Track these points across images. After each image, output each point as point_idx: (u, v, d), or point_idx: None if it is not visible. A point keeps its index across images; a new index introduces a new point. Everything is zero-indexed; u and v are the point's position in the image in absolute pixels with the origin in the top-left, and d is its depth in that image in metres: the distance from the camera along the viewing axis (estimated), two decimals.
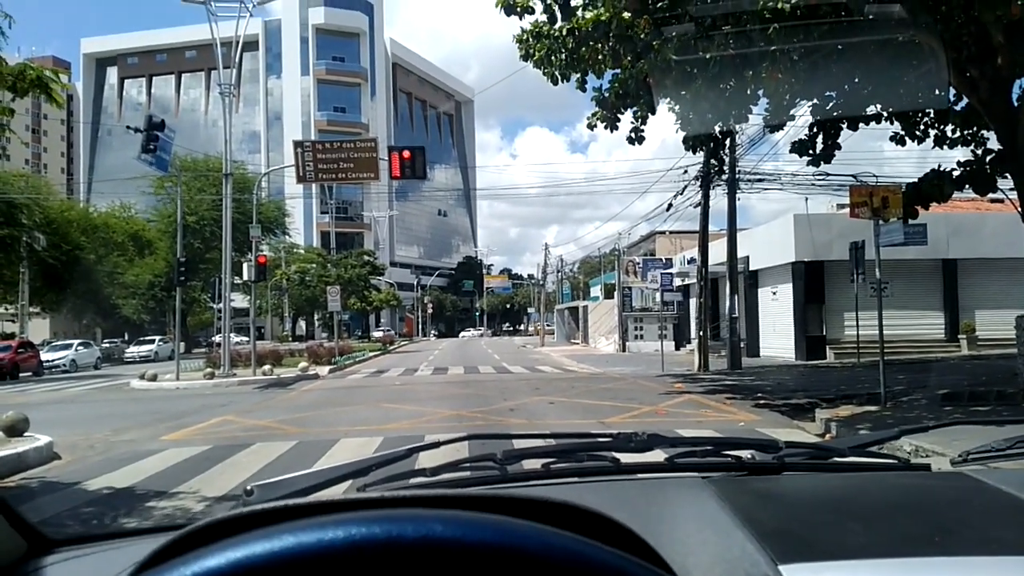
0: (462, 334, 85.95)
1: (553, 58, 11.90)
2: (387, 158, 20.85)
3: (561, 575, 0.52)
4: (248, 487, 1.28)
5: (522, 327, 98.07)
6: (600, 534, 0.69)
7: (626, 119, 12.93)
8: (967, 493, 1.30)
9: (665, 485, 1.37)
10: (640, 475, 1.45)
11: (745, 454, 1.49)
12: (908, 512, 1.18)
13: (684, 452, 1.50)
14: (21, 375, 28.36)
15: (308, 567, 0.50)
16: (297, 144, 22.20)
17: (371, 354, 37.55)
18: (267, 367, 23.23)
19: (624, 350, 34.96)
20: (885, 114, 12.47)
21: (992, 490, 1.26)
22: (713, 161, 20.12)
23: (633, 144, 13.09)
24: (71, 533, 1.27)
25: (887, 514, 1.17)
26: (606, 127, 12.85)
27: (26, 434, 9.46)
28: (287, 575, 0.50)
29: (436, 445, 1.60)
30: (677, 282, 29.01)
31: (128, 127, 23.74)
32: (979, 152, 12.47)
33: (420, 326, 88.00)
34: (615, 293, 39.87)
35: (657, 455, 1.49)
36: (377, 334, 58.50)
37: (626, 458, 1.45)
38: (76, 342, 36.16)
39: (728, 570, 0.92)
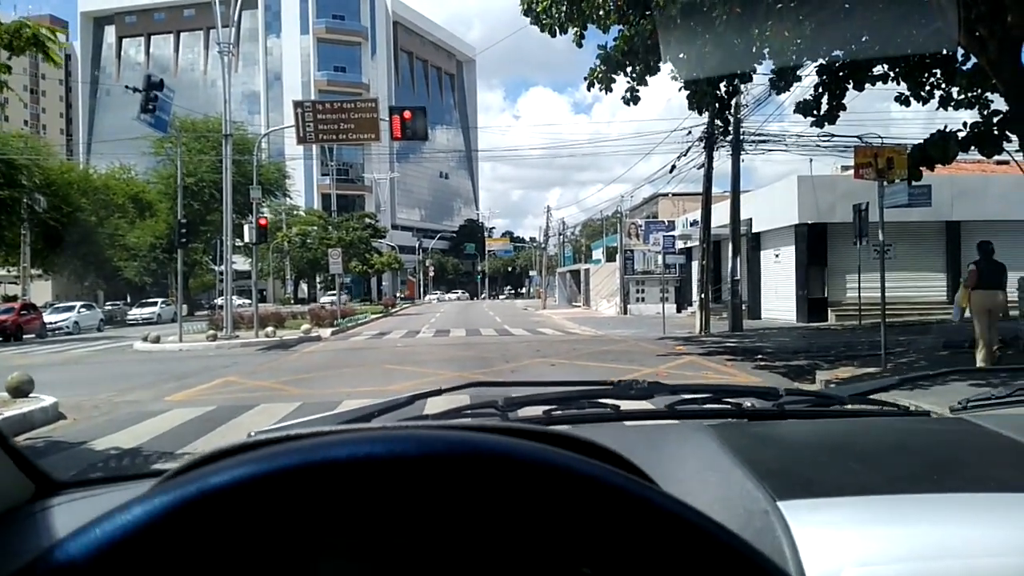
0: (428, 297, 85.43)
1: (554, 9, 11.73)
2: (388, 119, 20.68)
3: (571, 493, 0.52)
4: (250, 433, 1.29)
5: (524, 290, 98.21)
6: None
7: (623, 80, 12.79)
8: (965, 436, 1.31)
9: (666, 431, 1.38)
10: (640, 422, 1.46)
11: (746, 401, 1.49)
12: (906, 453, 1.19)
13: (685, 400, 1.51)
14: (24, 337, 28.50)
15: (317, 478, 0.50)
16: (297, 104, 22.02)
17: (372, 317, 37.67)
18: (269, 329, 23.31)
19: (625, 313, 35.02)
20: (892, 74, 12.32)
21: (990, 432, 1.28)
22: (718, 122, 19.93)
23: (629, 105, 12.96)
24: (78, 476, 1.29)
25: (885, 455, 1.19)
26: (602, 89, 12.71)
27: (31, 395, 9.53)
28: (294, 486, 0.49)
29: (439, 392, 1.61)
30: (679, 244, 28.97)
31: (127, 87, 23.53)
32: (985, 113, 12.35)
33: (421, 289, 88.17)
34: (617, 256, 39.84)
35: (658, 403, 1.50)
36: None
37: (627, 406, 1.46)
38: (79, 304, 36.21)
39: (727, 507, 0.93)
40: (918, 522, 0.86)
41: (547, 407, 1.45)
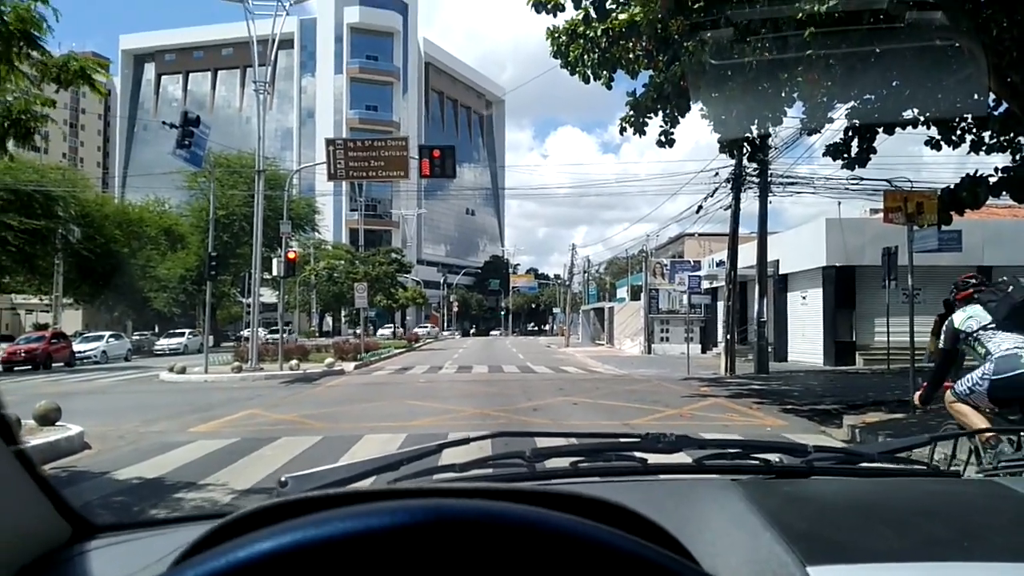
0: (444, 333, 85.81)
1: (586, 57, 11.88)
2: (417, 157, 20.95)
3: (595, 566, 0.52)
4: (283, 478, 1.30)
5: (547, 327, 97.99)
6: (630, 531, 0.69)
7: (655, 122, 12.88)
8: (997, 500, 1.28)
9: (694, 486, 1.36)
10: (668, 476, 1.44)
11: (773, 457, 1.48)
12: (936, 517, 1.16)
13: (712, 454, 1.50)
14: (53, 365, 28.92)
15: (354, 550, 0.52)
16: (329, 142, 22.40)
17: (396, 351, 37.75)
18: (294, 362, 23.44)
19: (649, 352, 34.79)
20: (922, 119, 12.28)
21: (1022, 497, 1.24)
22: (746, 164, 19.95)
23: (663, 147, 13.02)
24: (112, 520, 1.30)
25: (915, 519, 1.16)
26: (635, 132, 12.81)
27: (58, 423, 9.64)
28: (328, 558, 0.51)
29: (466, 441, 1.61)
30: (705, 285, 28.82)
31: (164, 123, 24.12)
32: (1018, 158, 12.24)
33: (445, 324, 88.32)
34: (641, 295, 39.68)
35: (685, 457, 1.48)
36: (384, 331, 57.65)
37: (654, 459, 1.44)
38: (107, 334, 36.73)
39: (757, 571, 0.91)
40: None
41: (574, 459, 1.44)
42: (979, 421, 4.92)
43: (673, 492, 1.32)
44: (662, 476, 1.43)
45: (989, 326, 5.10)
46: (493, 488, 0.70)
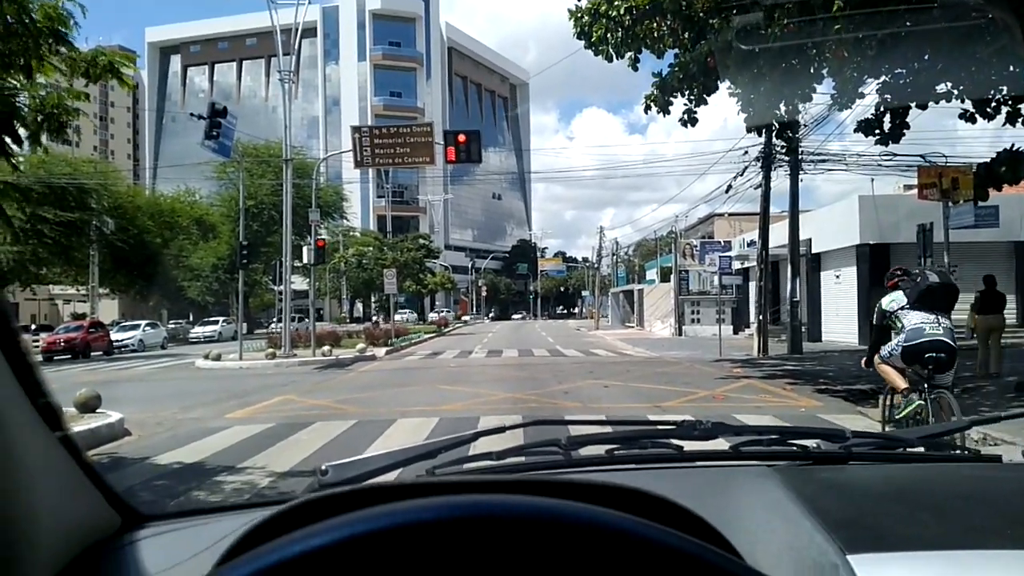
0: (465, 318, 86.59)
1: (609, 36, 11.77)
2: (442, 142, 20.95)
3: (637, 561, 0.53)
4: (323, 467, 1.32)
5: (576, 310, 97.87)
6: (668, 521, 0.70)
7: (680, 101, 12.75)
8: None
9: (731, 473, 1.36)
10: (704, 463, 1.44)
11: (811, 443, 1.46)
12: (979, 503, 1.15)
13: (749, 441, 1.49)
14: (92, 354, 29.52)
15: (401, 544, 0.53)
16: (355, 129, 22.49)
17: (426, 336, 37.96)
18: (326, 348, 23.68)
19: (680, 334, 34.61)
20: (956, 92, 12.01)
21: None
22: (776, 142, 19.67)
23: (686, 126, 12.90)
24: (160, 509, 1.33)
25: (957, 505, 1.15)
26: (659, 111, 12.70)
27: (98, 411, 9.85)
28: (376, 553, 0.53)
29: (501, 430, 1.62)
30: (736, 265, 28.54)
31: (191, 114, 24.38)
32: None
33: (474, 308, 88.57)
34: (671, 276, 39.43)
35: (721, 443, 1.48)
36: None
37: (690, 446, 1.44)
38: (144, 323, 37.35)
39: (796, 559, 0.92)
40: None
41: (609, 446, 1.45)
42: (897, 377, 6.49)
43: (710, 480, 1.32)
44: (699, 463, 1.43)
45: (905, 307, 6.46)
46: (533, 479, 0.72)
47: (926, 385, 6.20)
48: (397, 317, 53.17)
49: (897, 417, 6.53)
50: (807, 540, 0.94)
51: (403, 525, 0.54)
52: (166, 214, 45.09)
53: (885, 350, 6.62)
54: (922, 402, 6.16)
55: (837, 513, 1.03)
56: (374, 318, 47.77)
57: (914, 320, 6.34)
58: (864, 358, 7.16)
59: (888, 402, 6.91)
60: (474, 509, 0.56)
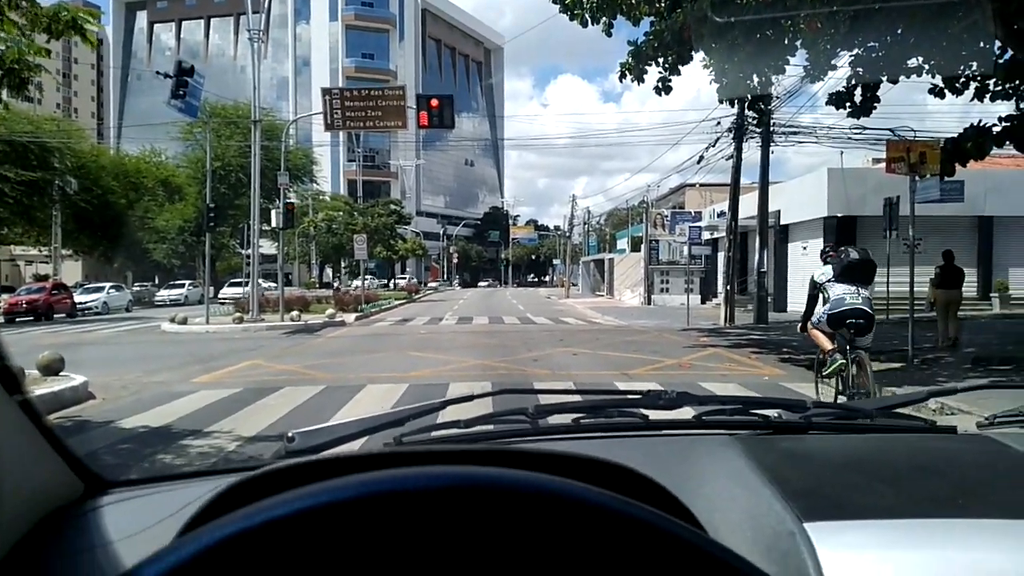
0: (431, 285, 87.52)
1: (584, 0, 11.66)
2: (415, 107, 20.71)
3: (596, 530, 0.54)
4: (289, 433, 1.31)
5: (547, 279, 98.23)
6: (631, 490, 0.70)
7: (654, 70, 12.69)
8: (992, 457, 1.30)
9: (694, 442, 1.38)
10: (669, 431, 1.46)
11: (772, 413, 1.49)
12: (932, 474, 1.18)
13: (713, 410, 1.51)
14: (55, 316, 29.04)
15: (359, 516, 0.54)
16: (325, 92, 22.13)
17: (396, 302, 37.86)
18: (295, 313, 23.53)
19: (649, 303, 34.88)
20: (927, 67, 12.10)
21: (1018, 454, 1.26)
22: (748, 113, 19.72)
23: (660, 94, 12.85)
24: (125, 475, 1.31)
25: (912, 475, 1.18)
26: (633, 80, 12.64)
27: (61, 373, 9.72)
28: (336, 523, 0.53)
29: (469, 398, 1.63)
30: (706, 235, 28.75)
31: (158, 72, 23.73)
32: (1022, 107, 12.10)
33: (446, 275, 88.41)
34: (642, 246, 39.62)
35: (685, 412, 1.50)
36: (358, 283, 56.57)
37: (655, 415, 1.46)
38: (108, 285, 36.77)
39: (755, 527, 0.93)
40: (943, 548, 0.86)
41: (576, 415, 1.46)
42: (825, 340, 7.59)
43: (674, 449, 1.33)
44: (663, 432, 1.45)
45: (831, 280, 7.53)
46: (497, 449, 0.72)
47: (848, 347, 7.19)
48: (357, 283, 52.36)
49: (824, 373, 7.56)
50: (766, 508, 0.96)
51: (364, 496, 0.54)
52: (131, 175, 44.17)
53: (815, 317, 7.77)
54: (844, 361, 7.16)
55: (796, 482, 1.05)
56: (336, 284, 47.41)
57: (838, 291, 7.38)
58: (799, 324, 8.24)
59: (818, 363, 7.94)
60: (433, 481, 0.56)
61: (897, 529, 0.90)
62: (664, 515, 0.57)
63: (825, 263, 7.89)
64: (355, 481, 0.55)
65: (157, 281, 50.16)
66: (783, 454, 1.28)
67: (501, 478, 0.57)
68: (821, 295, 7.66)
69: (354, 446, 1.35)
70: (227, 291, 40.75)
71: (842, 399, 7.28)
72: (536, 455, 0.74)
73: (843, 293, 7.34)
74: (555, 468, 0.71)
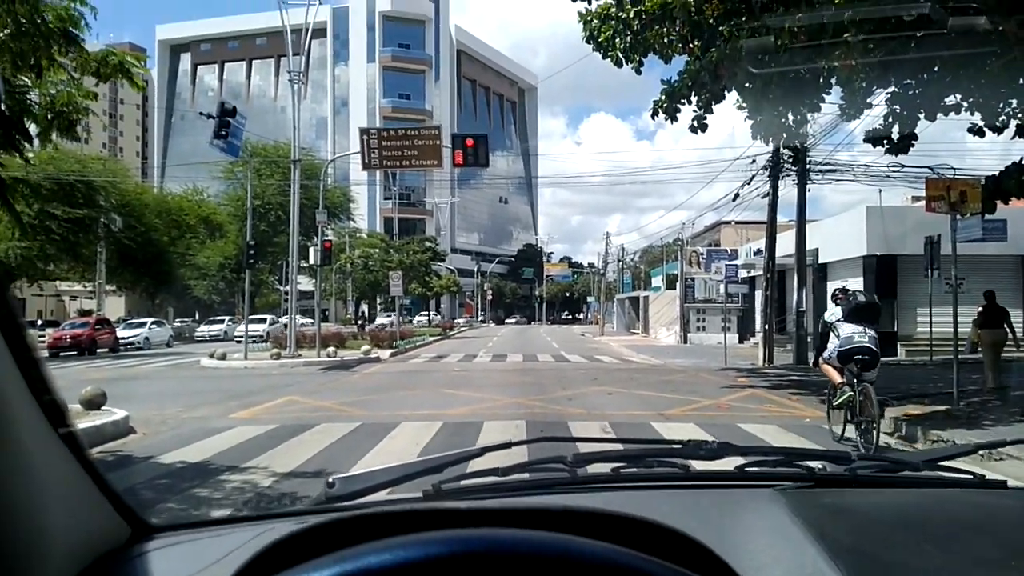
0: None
1: (618, 40, 11.79)
2: (450, 146, 20.98)
3: None
4: (330, 479, 1.33)
5: (581, 316, 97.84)
6: (672, 547, 0.71)
7: (688, 108, 12.76)
8: None
9: (737, 495, 1.36)
10: (710, 482, 1.45)
11: (816, 465, 1.47)
12: (983, 533, 1.15)
13: (755, 461, 1.50)
14: (98, 351, 29.60)
15: None
16: (363, 131, 22.52)
17: (431, 339, 37.97)
18: (331, 349, 23.71)
19: (685, 342, 34.56)
20: (965, 104, 11.98)
21: None
22: (784, 151, 19.64)
23: (696, 133, 12.90)
24: (168, 520, 1.33)
25: (961, 534, 1.15)
26: (667, 118, 12.70)
27: (103, 408, 9.89)
28: None
29: (508, 446, 1.63)
30: (743, 274, 28.49)
31: (201, 113, 24.44)
32: None
33: (479, 312, 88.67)
34: (677, 284, 39.38)
35: (727, 462, 1.48)
36: (420, 318, 56.88)
37: (696, 465, 1.45)
38: (150, 320, 37.46)
39: None
40: None
41: (615, 464, 1.46)
42: (835, 374, 8.46)
43: (716, 501, 1.32)
44: (703, 483, 1.44)
45: (840, 320, 8.47)
46: (536, 507, 0.74)
47: (856, 380, 8.01)
48: (383, 320, 52.37)
49: (834, 404, 8.52)
50: (812, 567, 0.94)
51: (407, 563, 0.57)
52: (174, 212, 45.21)
53: (827, 353, 8.62)
54: (852, 393, 7.98)
55: (842, 540, 1.03)
56: (360, 321, 47.77)
57: (847, 330, 8.25)
58: (812, 360, 9.66)
59: (830, 394, 8.81)
60: (474, 545, 0.59)
61: None
62: None
63: (835, 304, 8.88)
64: (393, 544, 0.59)
65: (197, 316, 50.96)
66: (828, 509, 1.26)
67: (536, 543, 0.59)
68: (832, 333, 8.52)
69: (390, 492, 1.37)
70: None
71: (851, 427, 8.24)
72: (574, 513, 0.75)
73: (852, 332, 8.19)
74: (593, 526, 0.72)
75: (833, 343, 8.43)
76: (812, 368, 9.35)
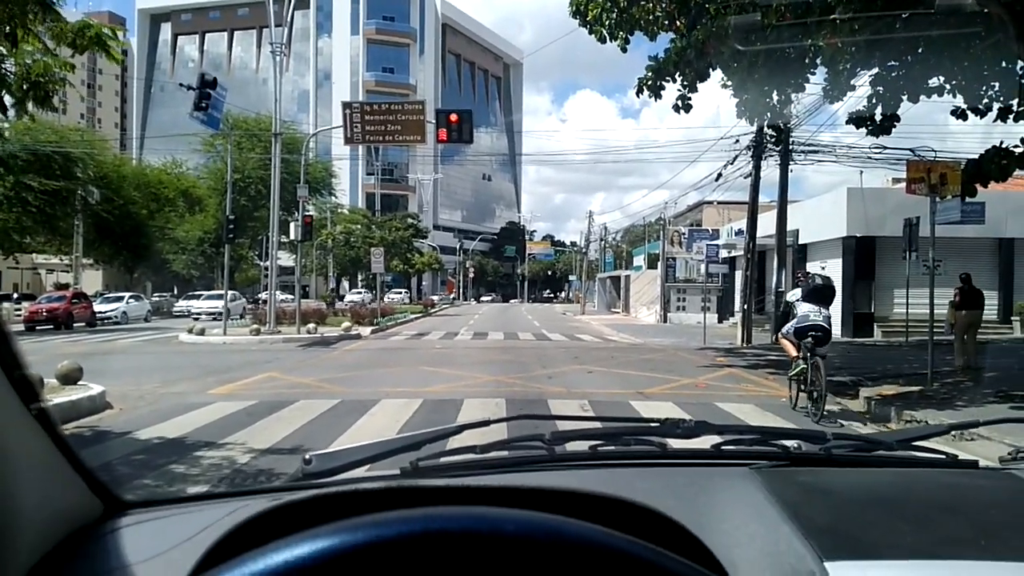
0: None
1: (604, 16, 11.71)
2: (434, 121, 20.83)
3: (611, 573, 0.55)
4: (307, 456, 1.32)
5: (562, 294, 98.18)
6: (647, 526, 0.70)
7: (672, 86, 12.70)
8: (1016, 495, 1.28)
9: (712, 474, 1.36)
10: (687, 461, 1.45)
11: (792, 444, 1.47)
12: (955, 512, 1.16)
13: (731, 440, 1.50)
14: (75, 325, 29.30)
15: (380, 556, 0.56)
16: (346, 105, 22.29)
17: (412, 316, 37.94)
18: (311, 325, 23.64)
19: (665, 321, 34.78)
20: (948, 87, 12.02)
21: None
22: (767, 131, 19.68)
23: (679, 112, 12.84)
24: (143, 496, 1.31)
25: (933, 514, 1.16)
26: (651, 95, 12.64)
27: (80, 383, 9.80)
28: (350, 566, 0.55)
29: (486, 423, 1.63)
30: (723, 254, 28.66)
31: (181, 84, 24.04)
32: None
33: (462, 290, 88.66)
34: (658, 263, 39.57)
35: (703, 441, 1.48)
36: (353, 297, 53.82)
37: (673, 443, 1.45)
38: (127, 295, 37.10)
39: (774, 564, 0.92)
40: None
41: (593, 442, 1.45)
42: (792, 348, 9.41)
43: (692, 479, 1.32)
44: (680, 461, 1.44)
45: (799, 300, 9.43)
46: (512, 486, 0.73)
47: (809, 354, 8.91)
48: (353, 297, 51.25)
49: (790, 375, 9.49)
50: (786, 545, 0.95)
51: (381, 540, 0.56)
52: (152, 185, 44.65)
53: (785, 329, 9.71)
54: (805, 365, 8.93)
55: (816, 518, 1.04)
56: (335, 295, 47.44)
57: (804, 309, 9.22)
58: (774, 334, 10.24)
59: (790, 364, 9.72)
60: (450, 523, 0.57)
61: (919, 570, 0.89)
62: (680, 559, 0.56)
63: (795, 286, 9.87)
64: (369, 521, 0.57)
65: (176, 291, 50.58)
66: (803, 488, 1.26)
67: (510, 520, 0.58)
68: (791, 311, 9.56)
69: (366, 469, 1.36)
70: (204, 303, 37.76)
71: (803, 396, 9.08)
72: (552, 492, 0.74)
73: (808, 311, 9.15)
74: (569, 504, 0.71)
75: (792, 321, 9.42)
76: (772, 340, 10.21)
